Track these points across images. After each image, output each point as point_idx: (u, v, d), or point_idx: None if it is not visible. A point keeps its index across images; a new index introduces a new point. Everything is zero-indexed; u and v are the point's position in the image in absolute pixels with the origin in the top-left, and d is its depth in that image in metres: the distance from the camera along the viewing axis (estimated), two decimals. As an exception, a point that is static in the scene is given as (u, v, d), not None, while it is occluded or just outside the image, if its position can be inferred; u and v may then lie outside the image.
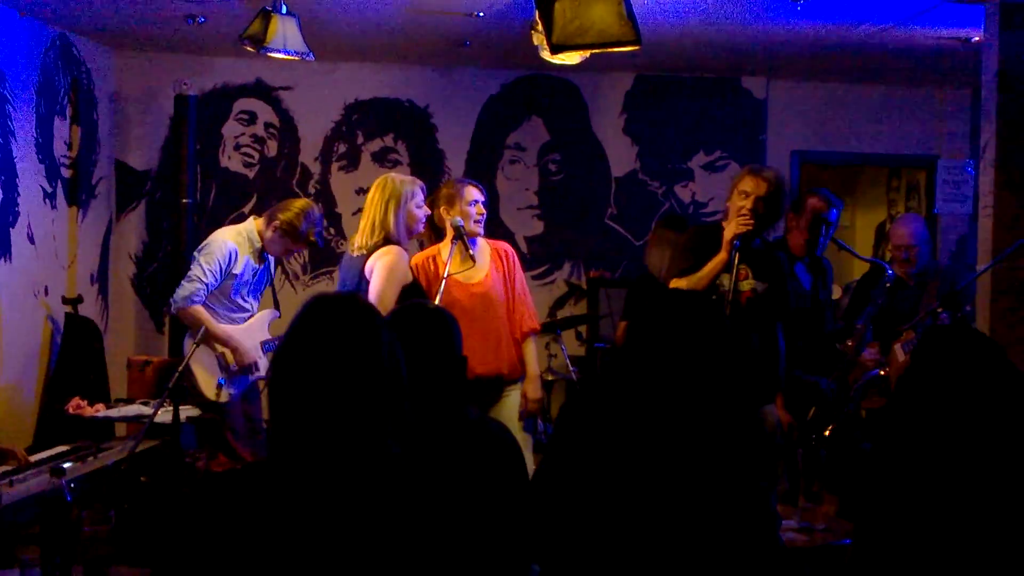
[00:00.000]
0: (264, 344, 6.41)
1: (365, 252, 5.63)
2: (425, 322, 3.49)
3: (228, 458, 6.17)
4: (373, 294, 5.38)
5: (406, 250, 5.70)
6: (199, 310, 6.20)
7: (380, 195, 5.70)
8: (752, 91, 9.31)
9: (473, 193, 5.92)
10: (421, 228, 5.85)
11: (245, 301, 6.44)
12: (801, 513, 4.64)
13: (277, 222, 6.33)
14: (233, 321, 6.37)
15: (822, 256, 6.57)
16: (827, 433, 6.02)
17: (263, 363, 6.36)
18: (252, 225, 6.45)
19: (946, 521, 3.35)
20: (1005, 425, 3.39)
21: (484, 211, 5.95)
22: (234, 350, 6.28)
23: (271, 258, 6.59)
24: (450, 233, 5.82)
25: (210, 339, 6.17)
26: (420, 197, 5.77)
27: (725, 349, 3.31)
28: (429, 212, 5.87)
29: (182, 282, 6.32)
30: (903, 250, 6.73)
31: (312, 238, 6.42)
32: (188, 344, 6.28)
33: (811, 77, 9.28)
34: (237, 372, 6.31)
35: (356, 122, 8.99)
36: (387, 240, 5.63)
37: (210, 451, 6.19)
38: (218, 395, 6.21)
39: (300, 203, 6.48)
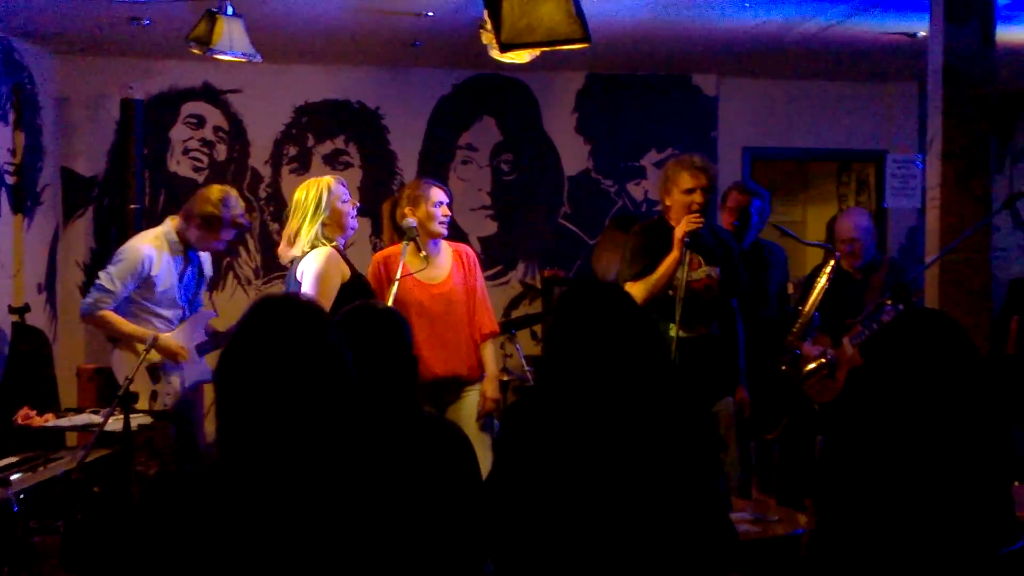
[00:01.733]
0: (200, 347, 6.33)
1: (293, 260, 5.67)
2: (375, 322, 3.48)
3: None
4: None
5: (342, 248, 5.72)
6: (108, 315, 6.19)
7: (301, 200, 5.69)
8: (703, 88, 9.33)
9: (439, 194, 5.96)
10: (352, 221, 5.80)
11: (176, 305, 6.37)
12: (754, 505, 4.65)
13: (197, 217, 6.29)
14: (168, 325, 6.29)
15: (764, 246, 6.67)
16: (778, 426, 6.05)
17: (203, 365, 6.30)
18: (169, 226, 6.41)
19: (909, 508, 3.36)
20: (966, 408, 3.41)
21: (449, 212, 5.97)
22: (153, 346, 6.20)
23: (200, 257, 6.53)
24: (405, 235, 5.85)
25: (131, 344, 6.13)
26: (343, 193, 5.76)
27: (636, 336, 3.32)
28: (357, 204, 5.89)
29: (91, 289, 6.30)
30: (848, 243, 6.81)
31: (238, 221, 6.39)
32: (117, 355, 6.23)
33: (761, 74, 9.32)
34: (166, 377, 6.23)
35: (306, 124, 8.94)
36: (314, 244, 5.62)
37: (161, 460, 6.12)
38: (152, 404, 6.15)
39: (214, 191, 6.42)
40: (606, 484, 3.17)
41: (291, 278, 5.66)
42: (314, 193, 5.68)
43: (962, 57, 6.06)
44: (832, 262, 6.41)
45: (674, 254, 5.67)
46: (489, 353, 6.14)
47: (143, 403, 6.06)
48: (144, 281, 6.23)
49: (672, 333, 5.66)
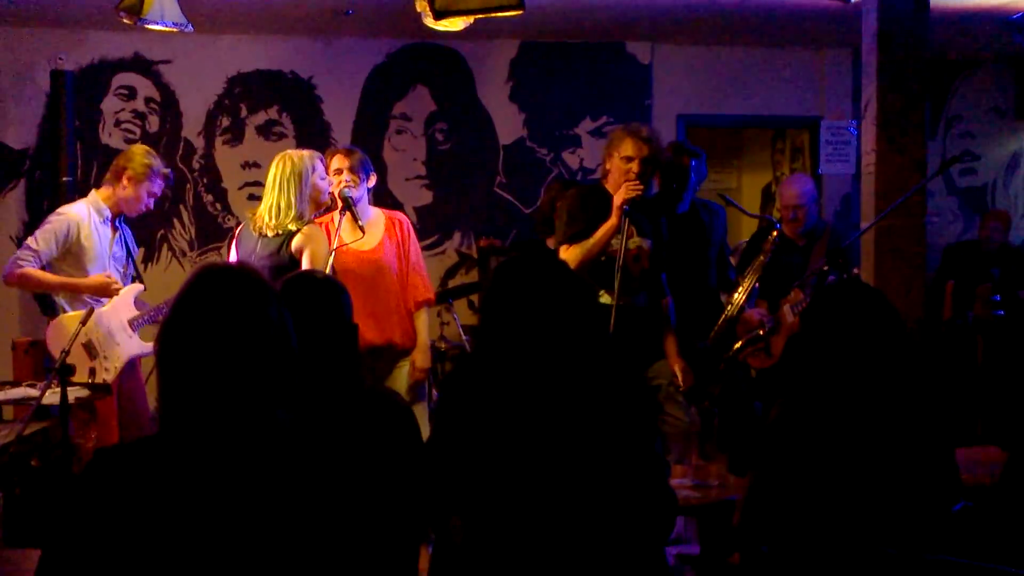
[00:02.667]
0: (133, 322, 6.27)
1: (280, 232, 5.71)
2: (314, 291, 3.47)
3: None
4: None
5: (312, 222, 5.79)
6: (30, 271, 6.13)
7: (281, 173, 5.74)
8: (637, 56, 9.34)
9: (335, 162, 5.96)
10: (327, 199, 5.86)
11: (106, 275, 6.31)
12: (695, 471, 4.68)
13: (128, 173, 6.26)
14: (98, 301, 6.23)
15: (702, 205, 6.67)
16: (715, 392, 6.08)
17: (136, 340, 6.25)
18: (94, 196, 6.38)
19: (844, 473, 3.40)
20: (893, 376, 3.46)
21: (353, 177, 5.93)
22: (107, 332, 6.16)
23: (126, 229, 6.48)
24: (339, 204, 5.83)
25: (64, 306, 6.13)
26: (321, 169, 5.86)
27: (571, 302, 3.35)
28: (332, 182, 5.91)
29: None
30: (791, 210, 6.83)
31: (164, 171, 6.40)
32: (52, 328, 6.15)
33: (695, 41, 9.33)
34: (103, 353, 6.17)
35: (239, 95, 8.86)
36: (299, 218, 5.70)
37: (98, 432, 6.07)
38: (92, 378, 6.10)
39: (136, 148, 6.45)
40: (543, 450, 3.19)
41: (266, 247, 5.72)
42: (300, 167, 5.75)
43: (896, 22, 6.11)
44: (774, 234, 6.43)
45: (612, 221, 5.65)
46: (422, 322, 6.10)
47: (81, 378, 6.00)
48: (74, 249, 6.16)
49: (604, 300, 5.64)
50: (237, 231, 6.08)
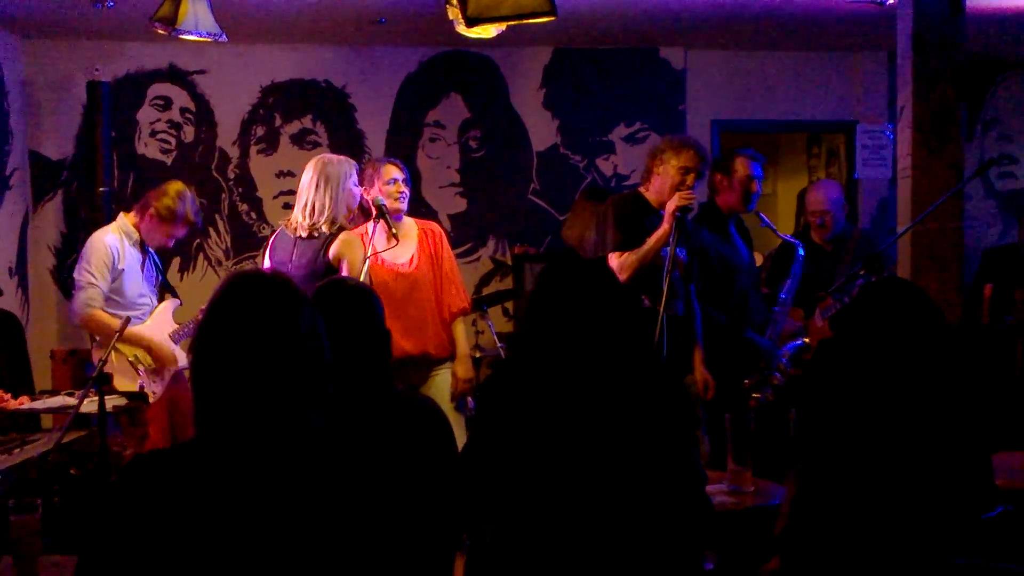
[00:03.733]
0: (174, 335, 6.31)
1: (315, 234, 5.79)
2: (346, 297, 3.47)
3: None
4: None
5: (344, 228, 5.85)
6: (100, 315, 6.13)
7: (318, 175, 5.80)
8: (670, 61, 9.32)
9: (391, 171, 5.93)
10: (355, 206, 5.91)
11: (143, 296, 6.35)
12: (731, 477, 4.66)
13: (153, 209, 6.29)
14: (138, 319, 6.26)
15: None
16: (748, 389, 6.06)
17: (180, 353, 6.30)
18: (124, 220, 6.39)
19: (882, 476, 3.38)
20: (936, 377, 3.43)
21: (405, 189, 5.94)
22: (148, 348, 6.22)
23: (151, 250, 6.51)
24: (374, 212, 5.84)
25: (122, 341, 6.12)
26: (355, 176, 5.89)
27: (616, 310, 3.34)
28: (362, 190, 5.94)
29: (74, 293, 6.25)
30: (818, 216, 6.82)
31: (192, 218, 6.38)
32: (96, 353, 6.20)
33: (728, 46, 9.31)
34: (154, 369, 6.23)
35: (273, 104, 8.90)
36: (332, 221, 5.79)
37: (137, 439, 6.11)
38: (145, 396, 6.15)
39: (173, 186, 6.42)
40: (582, 458, 3.18)
41: (304, 250, 5.79)
42: (337, 170, 5.84)
43: (931, 25, 6.07)
44: (798, 254, 6.37)
45: (665, 228, 5.67)
46: (460, 331, 6.07)
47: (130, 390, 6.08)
48: (114, 274, 6.20)
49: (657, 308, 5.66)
50: (272, 239, 6.10)
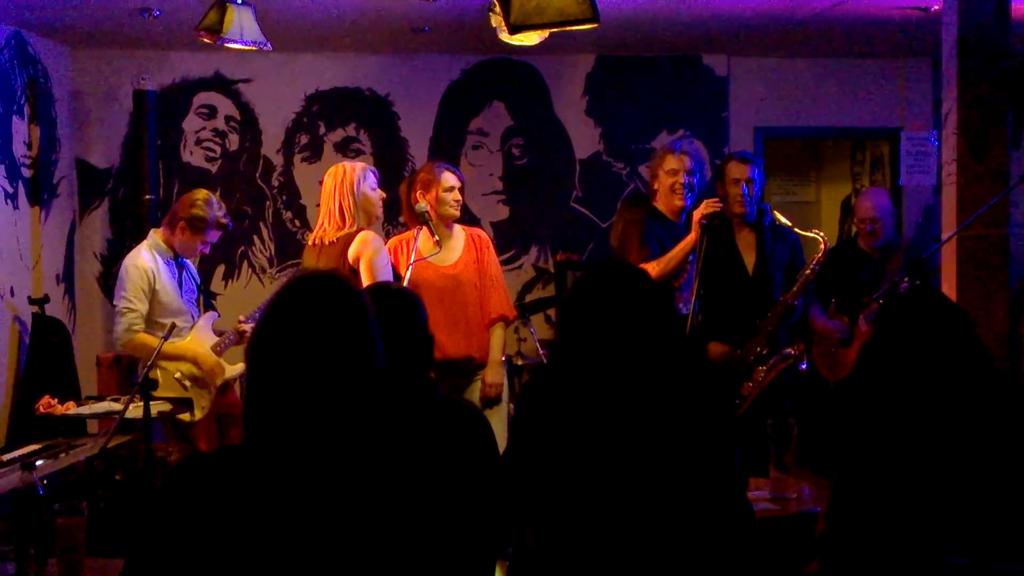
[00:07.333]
0: (216, 347, 6.35)
1: (336, 239, 5.81)
2: (390, 301, 3.48)
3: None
4: None
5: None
6: (144, 338, 6.15)
7: (334, 183, 5.86)
8: (714, 68, 9.30)
9: (450, 179, 6.04)
10: (380, 211, 5.98)
11: (183, 311, 6.38)
12: (773, 483, 4.65)
13: (183, 222, 6.31)
14: (179, 333, 6.29)
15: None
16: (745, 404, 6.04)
17: (225, 364, 6.33)
18: (155, 237, 6.43)
19: (920, 487, 3.36)
20: (964, 382, 3.41)
21: (461, 197, 6.03)
22: (193, 361, 6.26)
23: (189, 264, 6.56)
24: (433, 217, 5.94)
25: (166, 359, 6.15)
26: (372, 180, 5.96)
27: (654, 313, 3.34)
28: (384, 194, 6.03)
29: (115, 319, 6.28)
30: (868, 223, 6.80)
31: (222, 221, 6.42)
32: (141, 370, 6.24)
33: (772, 53, 9.27)
34: (200, 381, 6.26)
35: (317, 113, 8.95)
36: (354, 224, 5.82)
37: (181, 445, 6.15)
38: (192, 414, 6.19)
39: (198, 194, 6.42)
40: (623, 461, 3.18)
41: (327, 256, 5.81)
42: (351, 176, 5.89)
43: (977, 30, 6.03)
44: (821, 247, 6.22)
45: (692, 236, 5.69)
46: (496, 337, 6.15)
47: (185, 416, 6.11)
48: (152, 294, 6.24)
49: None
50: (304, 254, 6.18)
